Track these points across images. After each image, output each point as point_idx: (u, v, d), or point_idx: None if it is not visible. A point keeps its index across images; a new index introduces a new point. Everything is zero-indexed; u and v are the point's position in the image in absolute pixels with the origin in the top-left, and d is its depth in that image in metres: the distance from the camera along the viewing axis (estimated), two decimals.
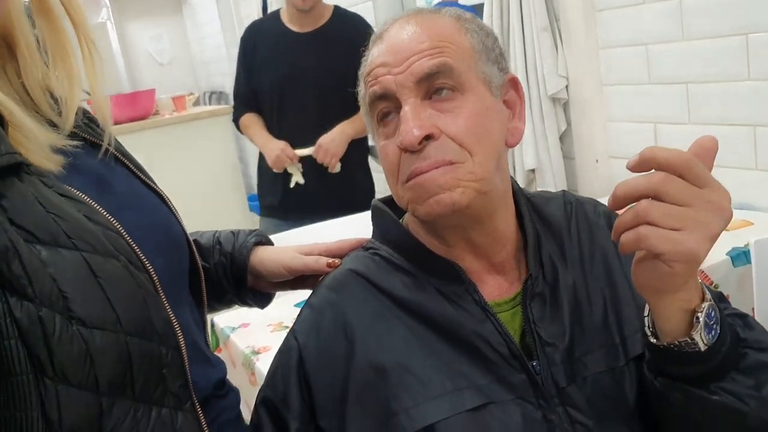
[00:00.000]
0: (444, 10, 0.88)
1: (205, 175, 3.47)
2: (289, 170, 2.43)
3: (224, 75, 6.21)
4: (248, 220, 3.83)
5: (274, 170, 2.40)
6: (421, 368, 0.81)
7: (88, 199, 0.66)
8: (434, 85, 0.81)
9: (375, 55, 0.85)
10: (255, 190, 5.82)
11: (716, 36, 1.77)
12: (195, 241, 0.99)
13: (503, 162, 0.86)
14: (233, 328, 1.64)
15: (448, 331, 0.83)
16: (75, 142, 0.69)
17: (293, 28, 2.44)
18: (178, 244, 0.82)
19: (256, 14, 4.57)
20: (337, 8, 2.49)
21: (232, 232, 1.02)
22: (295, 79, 2.38)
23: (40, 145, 0.64)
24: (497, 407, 0.79)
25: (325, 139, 2.33)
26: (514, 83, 0.89)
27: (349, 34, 2.35)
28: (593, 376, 0.83)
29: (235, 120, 2.57)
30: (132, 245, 0.67)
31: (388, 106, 0.83)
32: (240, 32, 5.91)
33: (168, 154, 3.28)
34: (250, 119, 2.51)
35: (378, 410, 0.79)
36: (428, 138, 0.79)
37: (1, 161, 0.58)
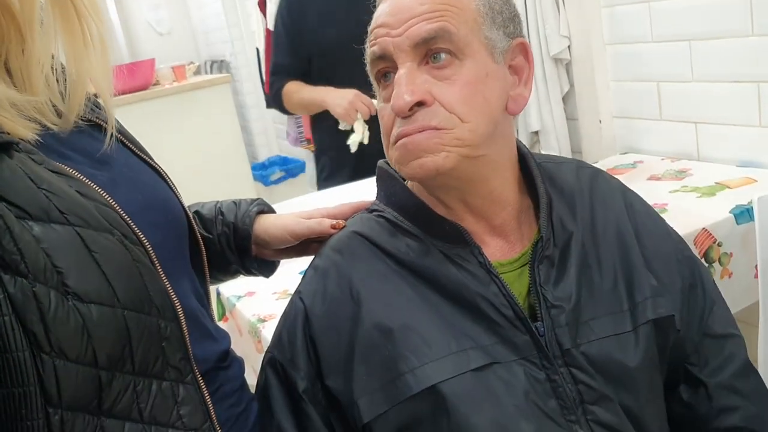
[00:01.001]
0: None
1: (207, 145, 3.46)
2: (356, 127, 2.08)
3: (224, 43, 6.16)
4: (252, 190, 3.84)
5: (342, 123, 2.07)
6: (426, 329, 0.82)
7: (79, 176, 0.66)
8: (432, 50, 0.80)
9: (378, 13, 0.85)
10: (258, 160, 5.78)
11: None
12: (197, 212, 0.99)
13: (503, 128, 0.86)
14: (239, 297, 1.65)
15: (452, 293, 0.84)
16: (39, 98, 0.67)
17: None
18: (176, 218, 0.82)
19: None
20: None
21: (234, 202, 1.02)
22: (357, 37, 2.19)
23: (6, 110, 0.63)
24: (501, 367, 0.80)
25: None
26: (524, 48, 0.87)
27: None
28: (599, 339, 0.84)
29: (276, 93, 2.26)
30: (126, 219, 0.67)
31: (387, 66, 0.84)
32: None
33: (169, 124, 3.27)
34: (295, 85, 2.21)
35: (384, 370, 0.80)
36: (420, 104, 0.79)
37: None
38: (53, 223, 0.60)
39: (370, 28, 0.85)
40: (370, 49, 0.85)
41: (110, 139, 0.74)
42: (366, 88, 2.13)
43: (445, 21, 0.80)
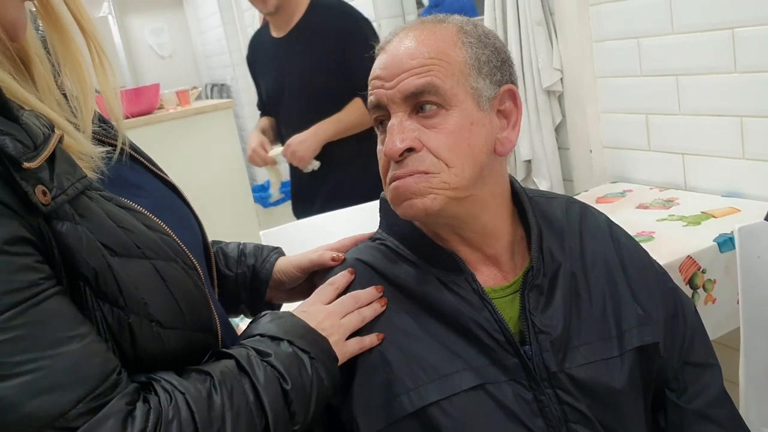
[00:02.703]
0: (449, 20, 0.92)
1: (210, 169, 3.51)
2: (268, 171, 2.38)
3: (225, 67, 6.25)
4: (252, 212, 3.88)
5: (309, 165, 2.26)
6: (422, 352, 0.87)
7: (140, 209, 0.72)
8: (420, 102, 0.87)
9: (376, 65, 0.91)
10: (258, 182, 5.82)
11: (704, 30, 1.82)
12: (221, 248, 1.07)
13: (492, 168, 0.91)
14: (242, 317, 1.69)
15: (448, 318, 0.89)
16: (101, 149, 0.74)
17: (274, 33, 2.34)
18: (197, 234, 0.90)
19: None
20: (313, 1, 2.30)
21: (257, 246, 1.10)
22: (285, 85, 2.29)
23: (90, 158, 0.70)
24: (492, 387, 0.86)
25: (294, 140, 2.20)
26: (512, 94, 0.93)
27: (327, 25, 2.22)
28: (585, 363, 0.89)
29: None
30: (182, 247, 0.74)
31: (383, 114, 0.90)
32: (240, 24, 5.93)
33: (173, 148, 3.32)
34: (259, 121, 2.47)
35: (382, 391, 0.86)
36: (410, 150, 0.86)
37: (79, 186, 0.64)
38: (133, 257, 0.66)
39: (369, 78, 0.92)
40: (369, 98, 0.92)
41: (123, 155, 0.80)
42: (303, 127, 2.21)
43: (432, 76, 0.86)
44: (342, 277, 0.94)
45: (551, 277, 0.93)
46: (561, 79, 2.28)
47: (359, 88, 2.03)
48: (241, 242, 1.11)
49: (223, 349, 0.76)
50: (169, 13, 7.24)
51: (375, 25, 3.39)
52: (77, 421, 0.57)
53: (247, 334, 0.81)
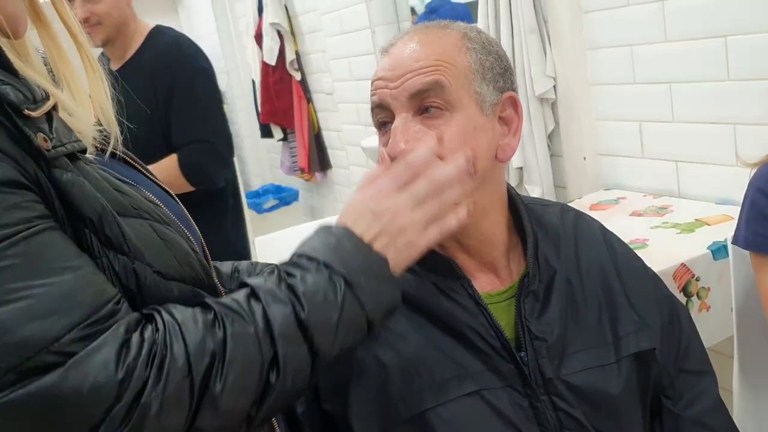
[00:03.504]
0: (453, 26, 0.93)
1: None
2: None
3: (220, 74, 6.24)
4: (246, 218, 3.88)
5: None
6: (418, 358, 0.87)
7: (132, 182, 0.75)
8: (425, 102, 0.86)
9: (380, 67, 0.91)
10: (253, 188, 5.81)
11: (697, 38, 1.83)
12: (215, 266, 1.07)
13: (493, 175, 0.92)
14: None
15: (444, 324, 0.89)
16: (97, 128, 0.77)
17: (111, 65, 2.06)
18: (196, 234, 0.90)
19: (251, 13, 4.60)
20: (154, 30, 2.08)
21: (251, 264, 1.10)
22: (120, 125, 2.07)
23: (87, 134, 0.73)
24: (488, 393, 0.86)
25: None
26: (513, 102, 0.93)
27: (154, 65, 1.98)
28: (582, 370, 0.90)
29: None
30: (172, 217, 0.76)
31: (385, 115, 0.90)
32: (236, 31, 5.92)
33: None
34: None
35: (378, 396, 0.86)
36: None
37: (76, 145, 0.67)
38: (130, 217, 0.69)
39: (371, 80, 0.92)
40: (371, 98, 0.91)
41: (113, 145, 0.81)
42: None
43: (439, 75, 0.86)
44: (423, 160, 0.77)
45: (547, 283, 0.94)
46: (554, 86, 2.29)
47: (177, 144, 1.97)
48: (235, 261, 1.11)
49: (246, 280, 0.72)
50: (163, 19, 7.21)
51: (369, 32, 3.41)
52: (72, 346, 0.58)
53: (294, 251, 0.74)
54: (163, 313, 0.65)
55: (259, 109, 4.73)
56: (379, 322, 0.73)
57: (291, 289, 0.68)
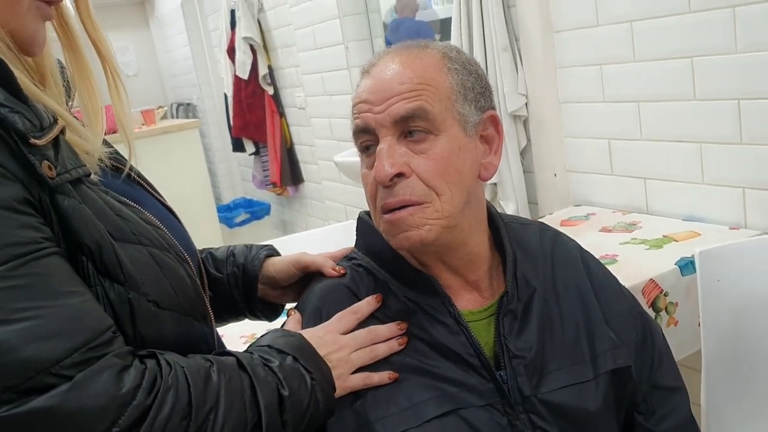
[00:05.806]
0: (432, 45, 0.93)
1: (175, 189, 3.48)
2: None
3: (192, 87, 6.22)
4: (218, 232, 3.86)
5: None
6: (397, 379, 0.87)
7: (135, 205, 0.76)
8: (409, 127, 0.87)
9: (361, 88, 0.91)
10: (224, 202, 5.80)
11: (665, 58, 1.86)
12: (210, 253, 1.08)
13: (476, 194, 0.92)
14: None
15: (425, 343, 0.89)
16: (107, 149, 0.79)
17: None
18: (195, 254, 0.90)
19: (224, 27, 4.59)
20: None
21: (246, 246, 1.10)
22: None
23: (91, 157, 0.74)
24: (465, 412, 0.86)
25: None
26: (494, 120, 0.94)
27: None
28: (560, 388, 0.90)
29: None
30: (174, 242, 0.77)
31: (369, 139, 0.90)
32: (207, 44, 5.91)
33: (138, 167, 3.30)
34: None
35: (355, 417, 0.86)
36: (400, 175, 0.86)
37: (80, 171, 0.68)
38: (130, 243, 0.70)
39: (353, 101, 0.92)
40: (353, 122, 0.91)
41: (129, 165, 0.85)
42: None
43: (422, 100, 0.87)
44: (366, 305, 0.92)
45: (526, 302, 0.94)
46: (526, 104, 2.31)
47: None
48: (232, 245, 1.11)
49: (227, 350, 0.79)
50: (135, 31, 7.19)
51: (342, 48, 3.43)
52: (72, 369, 0.59)
53: (256, 343, 0.82)
54: (166, 355, 0.67)
55: (231, 122, 4.72)
56: (325, 419, 0.83)
57: (273, 371, 0.75)
